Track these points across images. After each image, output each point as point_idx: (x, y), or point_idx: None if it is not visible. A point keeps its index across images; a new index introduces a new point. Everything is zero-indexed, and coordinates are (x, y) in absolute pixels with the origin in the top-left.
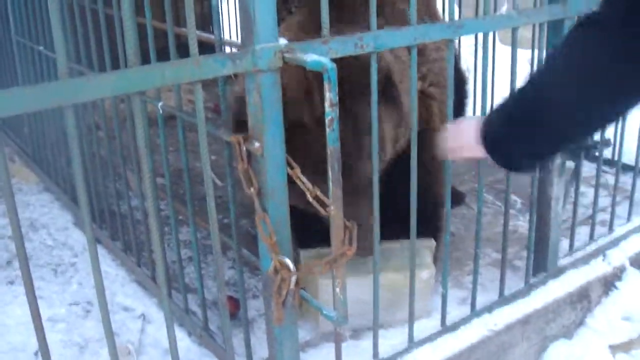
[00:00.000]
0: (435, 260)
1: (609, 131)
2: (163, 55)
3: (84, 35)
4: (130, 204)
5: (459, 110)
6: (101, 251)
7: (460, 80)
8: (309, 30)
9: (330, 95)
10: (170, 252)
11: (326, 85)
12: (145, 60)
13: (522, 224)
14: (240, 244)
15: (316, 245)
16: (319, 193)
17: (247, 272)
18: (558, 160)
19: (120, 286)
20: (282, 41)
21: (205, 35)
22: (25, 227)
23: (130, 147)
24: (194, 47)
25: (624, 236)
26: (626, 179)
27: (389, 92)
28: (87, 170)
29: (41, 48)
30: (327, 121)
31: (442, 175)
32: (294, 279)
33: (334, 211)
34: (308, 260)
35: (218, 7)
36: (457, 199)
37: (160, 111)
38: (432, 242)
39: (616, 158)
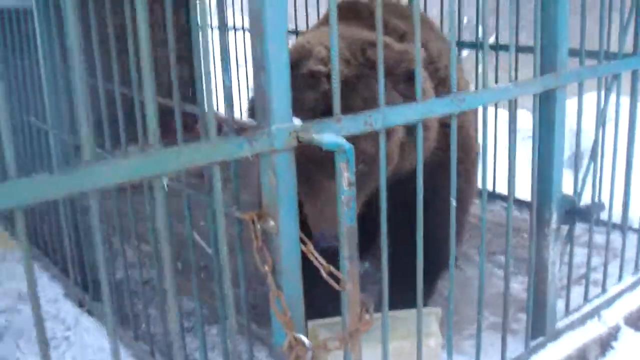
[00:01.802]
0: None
1: (605, 194)
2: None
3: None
4: (128, 274)
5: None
6: (95, 324)
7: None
8: None
9: (347, 175)
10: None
11: (343, 165)
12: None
13: (515, 285)
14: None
15: (324, 315)
16: (332, 269)
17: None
18: (554, 225)
19: None
20: (297, 121)
21: (220, 115)
22: (14, 298)
23: (128, 215)
24: (212, 130)
25: (618, 295)
26: (614, 237)
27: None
28: (80, 239)
29: (32, 118)
30: (344, 199)
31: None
32: (309, 355)
33: (350, 288)
34: (315, 330)
35: (230, 88)
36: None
37: (166, 188)
38: (438, 310)
39: (606, 218)
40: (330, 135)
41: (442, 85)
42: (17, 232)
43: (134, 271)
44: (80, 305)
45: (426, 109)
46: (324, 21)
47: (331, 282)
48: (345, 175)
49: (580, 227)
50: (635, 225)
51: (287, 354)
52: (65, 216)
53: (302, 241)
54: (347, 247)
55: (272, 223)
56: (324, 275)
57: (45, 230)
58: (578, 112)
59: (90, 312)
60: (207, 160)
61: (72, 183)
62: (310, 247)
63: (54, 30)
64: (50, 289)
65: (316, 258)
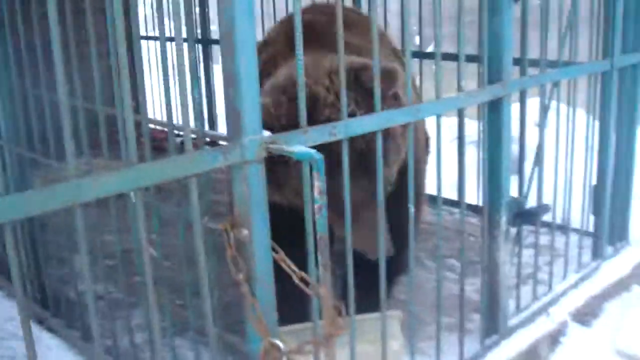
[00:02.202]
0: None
1: (547, 196)
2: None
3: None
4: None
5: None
6: (54, 341)
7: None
8: None
9: (318, 184)
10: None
11: (315, 175)
12: None
13: (465, 287)
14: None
15: (292, 321)
16: (304, 275)
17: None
18: (504, 227)
19: None
20: (266, 133)
21: (194, 130)
22: None
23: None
24: (189, 144)
25: (563, 293)
26: (556, 238)
27: None
28: (38, 255)
29: None
30: (315, 208)
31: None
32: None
33: (324, 293)
34: (286, 337)
35: (201, 101)
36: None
37: (134, 200)
38: (399, 313)
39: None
40: (301, 146)
41: None
42: (7, 248)
43: (95, 285)
44: (40, 322)
45: (384, 119)
46: (284, 40)
47: (303, 287)
48: (317, 184)
49: (525, 229)
50: (576, 226)
51: (263, 359)
52: (22, 232)
53: (273, 249)
54: (322, 255)
55: (245, 232)
56: (296, 281)
57: None
58: (521, 119)
59: (50, 330)
60: (184, 173)
61: (58, 198)
62: (282, 254)
63: (7, 42)
64: (6, 307)
65: (288, 265)
